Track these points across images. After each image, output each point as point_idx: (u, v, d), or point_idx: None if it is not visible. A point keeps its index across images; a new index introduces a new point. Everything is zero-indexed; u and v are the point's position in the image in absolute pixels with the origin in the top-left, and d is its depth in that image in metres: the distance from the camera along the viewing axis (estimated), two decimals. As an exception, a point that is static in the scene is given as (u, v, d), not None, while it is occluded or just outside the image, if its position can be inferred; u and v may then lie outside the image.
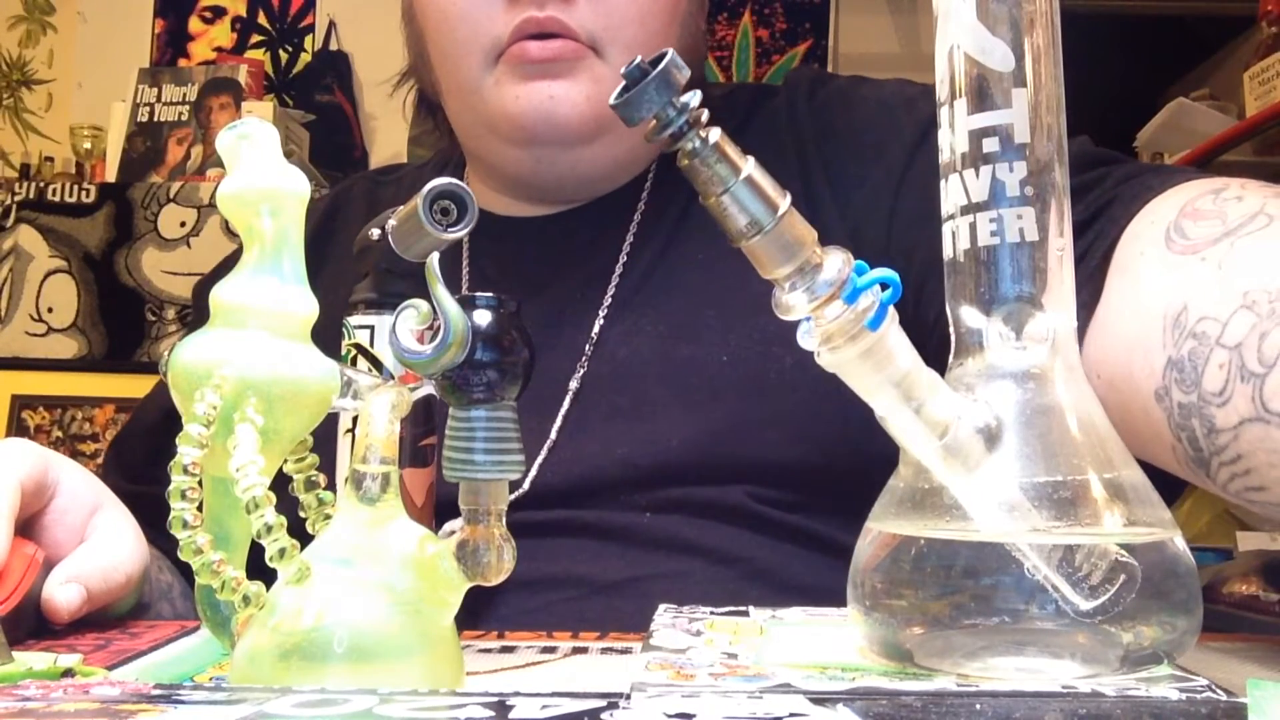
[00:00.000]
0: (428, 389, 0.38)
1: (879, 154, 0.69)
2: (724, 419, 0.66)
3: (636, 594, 0.62)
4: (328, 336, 0.43)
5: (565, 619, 0.61)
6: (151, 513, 0.56)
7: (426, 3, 0.72)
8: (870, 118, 0.72)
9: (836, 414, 0.62)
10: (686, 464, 0.65)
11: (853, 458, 0.59)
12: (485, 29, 0.68)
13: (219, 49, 2.71)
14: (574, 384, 0.68)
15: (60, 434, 2.36)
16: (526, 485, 0.66)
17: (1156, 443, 0.48)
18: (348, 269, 0.53)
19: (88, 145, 2.53)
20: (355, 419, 0.44)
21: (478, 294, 0.36)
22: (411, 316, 0.36)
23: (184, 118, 2.44)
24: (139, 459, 0.77)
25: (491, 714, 0.30)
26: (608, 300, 0.71)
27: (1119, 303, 0.51)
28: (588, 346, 0.69)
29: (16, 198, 2.35)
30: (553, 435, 0.67)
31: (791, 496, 0.65)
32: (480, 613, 0.61)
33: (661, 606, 0.51)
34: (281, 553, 0.35)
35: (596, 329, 0.70)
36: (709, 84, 0.85)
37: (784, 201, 0.36)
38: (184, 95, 2.46)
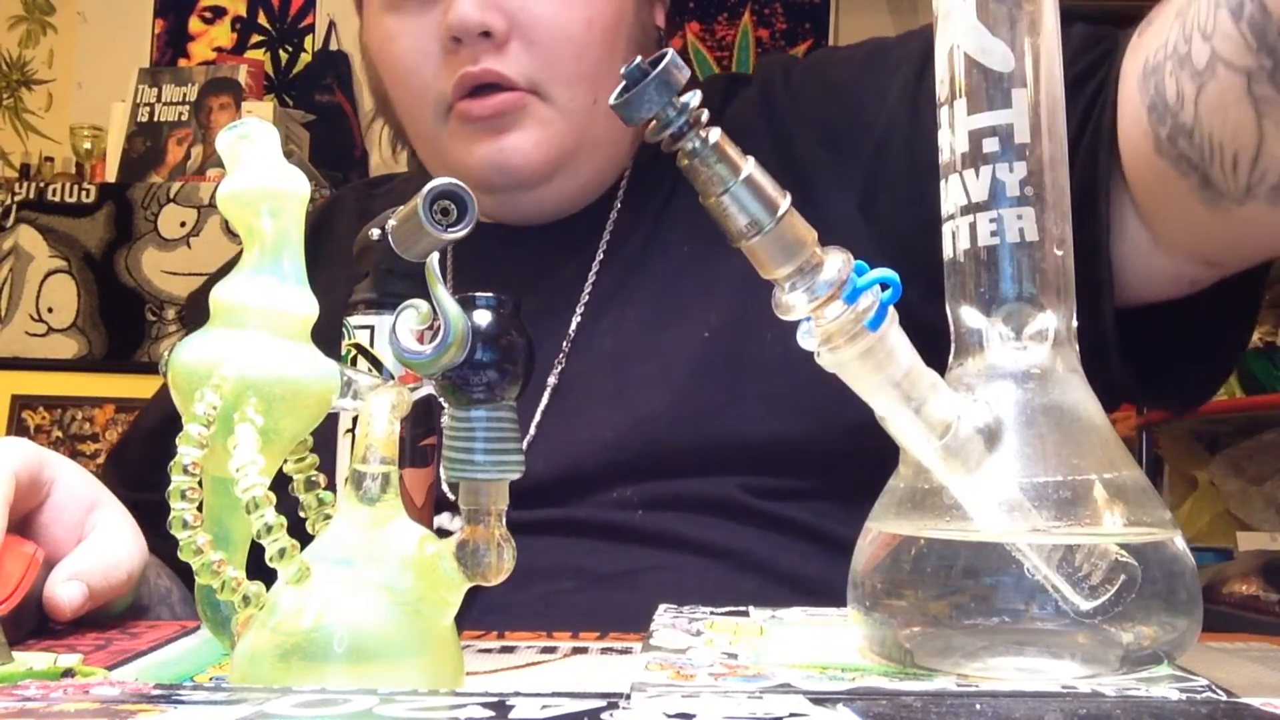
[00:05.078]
0: (428, 389, 0.38)
1: (881, 94, 0.69)
2: (709, 394, 0.66)
3: (633, 586, 0.63)
4: (325, 342, 0.42)
5: (564, 611, 0.61)
6: (152, 519, 0.56)
7: (379, 57, 0.74)
8: (860, 75, 0.72)
9: (818, 387, 0.63)
10: (675, 444, 0.66)
11: (837, 431, 0.59)
12: (431, 85, 0.69)
13: (219, 49, 2.71)
14: (552, 379, 0.69)
15: (60, 434, 2.36)
16: None
17: (1165, 185, 0.53)
18: (339, 279, 0.53)
19: (88, 145, 2.53)
20: (355, 419, 0.44)
21: (478, 294, 0.36)
22: (411, 316, 0.36)
23: (184, 118, 2.44)
24: (138, 465, 0.77)
25: (491, 714, 0.30)
26: (584, 298, 0.72)
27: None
28: (564, 344, 0.70)
29: (16, 198, 2.35)
30: (531, 431, 0.68)
31: (782, 483, 0.66)
32: (478, 606, 0.61)
33: (661, 606, 0.51)
34: (281, 553, 0.35)
35: (574, 326, 0.71)
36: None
37: (784, 201, 0.36)
38: (184, 95, 2.46)
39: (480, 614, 0.58)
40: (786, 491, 0.66)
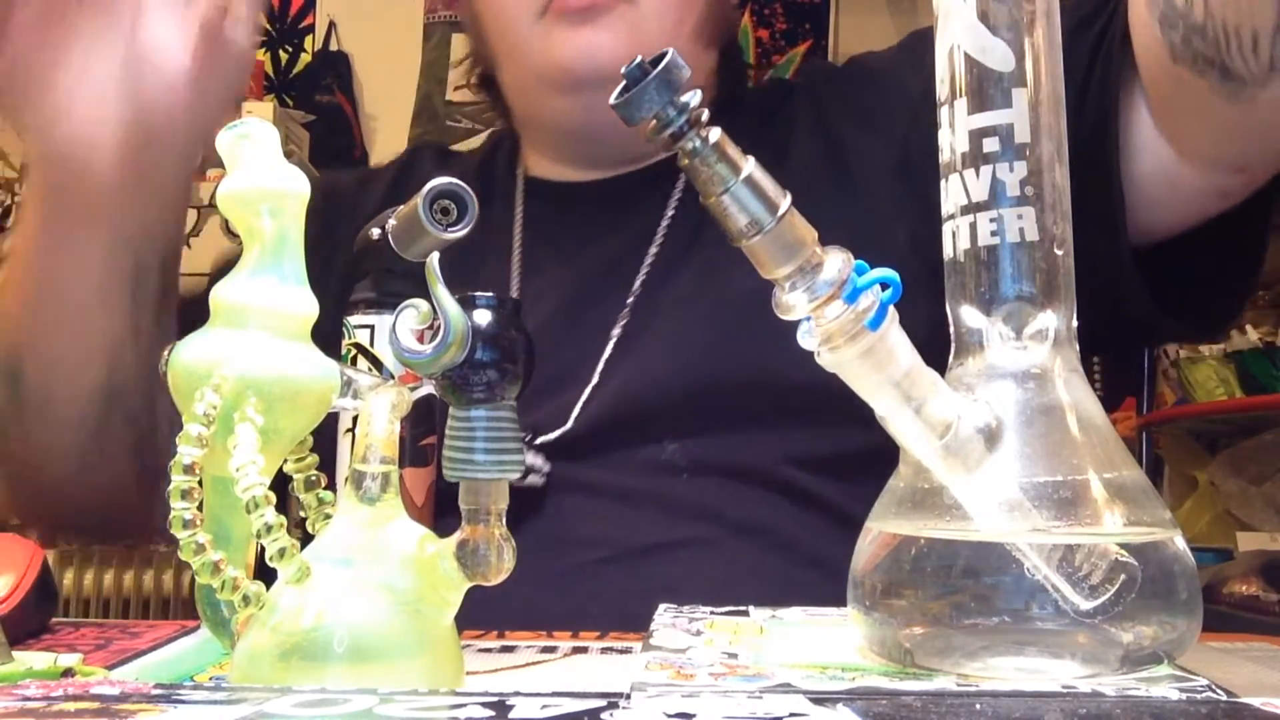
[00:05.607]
0: (428, 389, 0.38)
1: (917, 67, 0.72)
2: (755, 333, 0.69)
3: (663, 560, 0.65)
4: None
5: (591, 582, 0.63)
6: None
7: None
8: (896, 56, 0.77)
9: None
10: (719, 381, 0.68)
11: None
12: None
13: (219, 49, 2.70)
14: (616, 331, 0.72)
15: (60, 434, 2.35)
16: (570, 423, 0.68)
17: (1185, 90, 0.54)
18: None
19: (88, 145, 2.52)
20: (355, 419, 0.44)
21: (478, 294, 0.36)
22: (411, 316, 0.36)
23: (184, 118, 2.43)
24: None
25: (491, 714, 0.30)
26: (650, 257, 0.75)
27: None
28: (629, 299, 0.73)
29: (16, 198, 2.35)
30: (595, 378, 0.70)
31: (823, 446, 0.67)
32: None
33: (661, 606, 0.51)
34: (281, 553, 0.35)
35: (639, 282, 0.74)
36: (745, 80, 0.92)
37: (784, 201, 0.36)
38: (184, 95, 2.45)
39: (510, 582, 0.59)
40: (826, 460, 0.67)
